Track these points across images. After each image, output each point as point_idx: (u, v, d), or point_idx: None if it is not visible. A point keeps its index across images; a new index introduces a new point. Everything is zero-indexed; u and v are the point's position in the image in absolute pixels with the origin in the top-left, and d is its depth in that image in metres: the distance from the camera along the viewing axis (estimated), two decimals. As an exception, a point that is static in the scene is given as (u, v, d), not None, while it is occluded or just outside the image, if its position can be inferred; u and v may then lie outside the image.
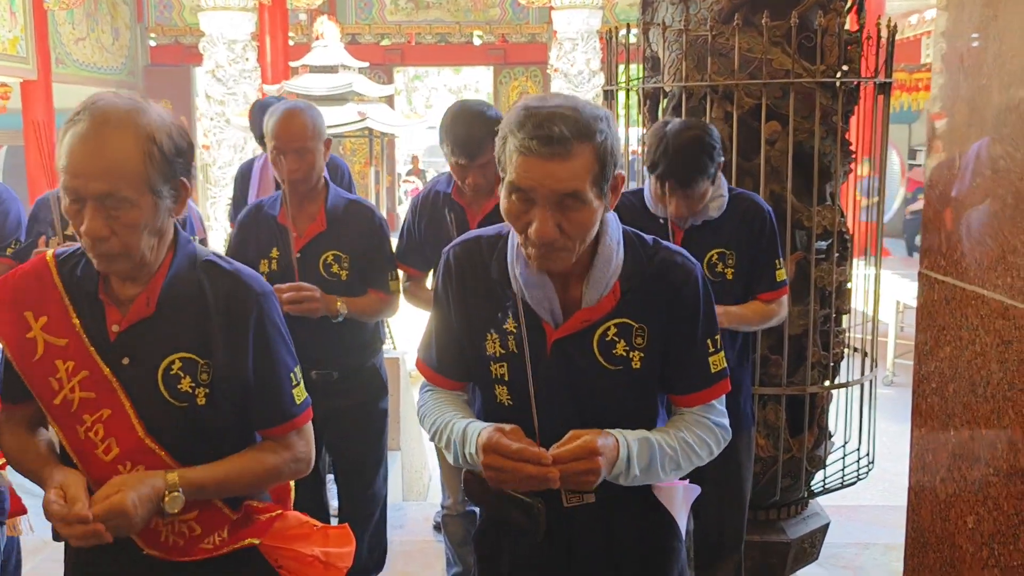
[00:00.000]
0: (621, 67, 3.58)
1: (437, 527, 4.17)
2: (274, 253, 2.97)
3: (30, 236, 3.21)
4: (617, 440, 1.58)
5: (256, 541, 1.71)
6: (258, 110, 4.18)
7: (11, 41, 13.01)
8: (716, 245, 2.78)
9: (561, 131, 1.49)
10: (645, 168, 2.84)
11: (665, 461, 1.64)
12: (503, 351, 1.69)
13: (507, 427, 1.58)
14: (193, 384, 1.61)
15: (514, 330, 1.68)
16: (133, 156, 1.51)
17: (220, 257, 1.72)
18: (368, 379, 3.24)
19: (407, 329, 5.58)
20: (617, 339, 1.66)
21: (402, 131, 7.38)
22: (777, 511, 3.56)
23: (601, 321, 1.66)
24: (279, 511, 1.79)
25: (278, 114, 2.94)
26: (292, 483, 1.88)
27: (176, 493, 1.56)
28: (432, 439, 1.79)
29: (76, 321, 1.61)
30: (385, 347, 4.89)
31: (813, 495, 3.67)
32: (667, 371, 1.71)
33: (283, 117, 2.92)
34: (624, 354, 1.66)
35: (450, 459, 1.72)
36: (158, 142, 1.54)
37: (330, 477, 3.73)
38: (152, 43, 16.92)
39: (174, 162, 1.57)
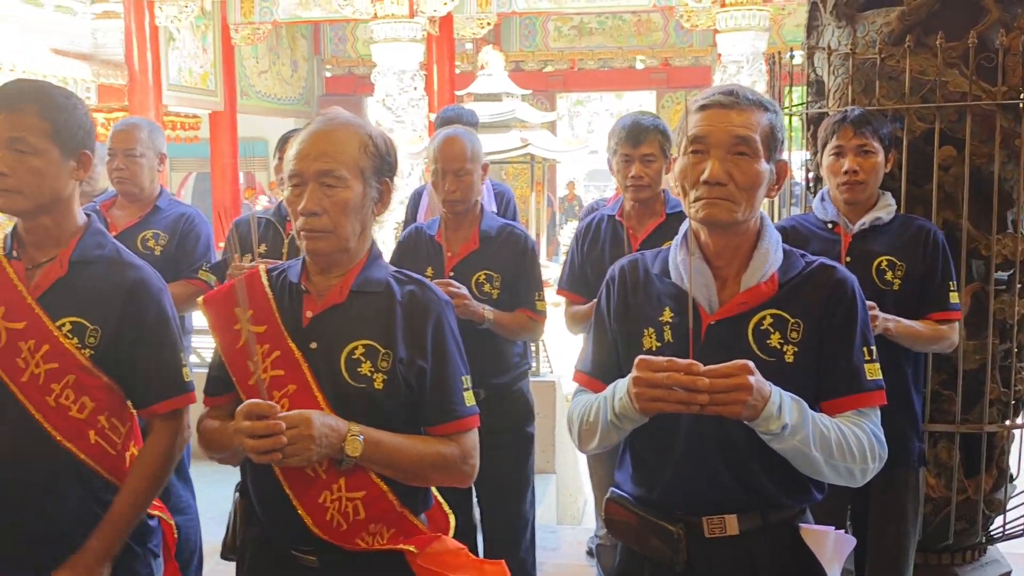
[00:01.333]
0: (786, 90, 3.52)
1: (590, 552, 4.17)
2: (428, 272, 3.08)
3: (227, 253, 3.44)
4: (771, 387, 1.56)
5: (413, 549, 1.77)
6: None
7: (203, 76, 14.00)
8: (884, 252, 2.74)
9: (743, 93, 1.69)
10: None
11: (817, 434, 1.60)
12: (659, 344, 1.74)
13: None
14: (372, 369, 1.74)
15: (670, 319, 1.74)
16: (351, 144, 1.74)
17: (406, 271, 1.90)
18: (514, 402, 3.28)
19: (563, 353, 5.62)
20: (772, 330, 1.68)
21: (564, 156, 7.47)
22: (951, 555, 3.36)
23: (758, 309, 1.70)
24: (439, 535, 1.85)
25: (440, 138, 3.11)
26: (452, 519, 1.94)
27: (357, 436, 1.68)
28: (580, 432, 1.81)
29: (275, 310, 1.80)
30: (542, 370, 4.93)
31: (992, 541, 3.44)
32: (821, 373, 1.69)
33: (444, 141, 3.09)
34: (778, 346, 1.68)
35: (596, 441, 1.75)
36: (374, 139, 1.78)
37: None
38: (327, 74, 17.83)
39: (384, 160, 1.79)
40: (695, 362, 1.52)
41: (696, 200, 1.68)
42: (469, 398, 1.85)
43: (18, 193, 1.84)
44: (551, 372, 5.68)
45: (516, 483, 3.32)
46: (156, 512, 2.08)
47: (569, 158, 16.10)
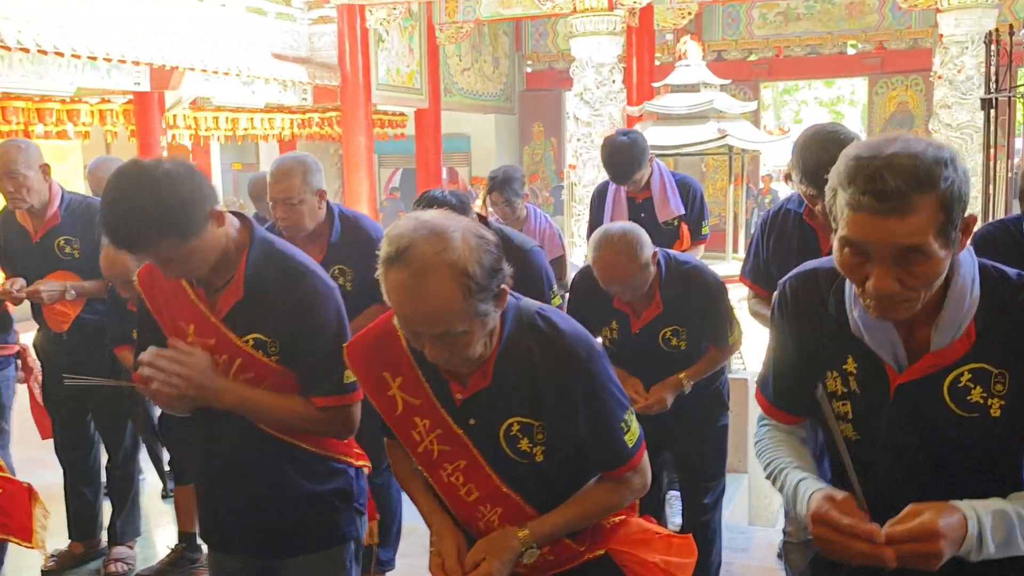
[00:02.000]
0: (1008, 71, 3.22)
1: (780, 555, 4.02)
2: (614, 324, 3.21)
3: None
4: (965, 516, 1.38)
5: (602, 552, 1.86)
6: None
7: (409, 75, 14.52)
8: None
9: (897, 185, 1.32)
10: None
11: None
12: (844, 389, 1.59)
13: (839, 495, 1.45)
14: (531, 444, 1.76)
15: (854, 370, 1.57)
16: (454, 296, 1.57)
17: (544, 316, 1.79)
18: (710, 399, 3.38)
19: (756, 347, 5.43)
20: (972, 385, 1.48)
21: (766, 147, 7.22)
22: None
23: (953, 367, 1.48)
24: (623, 517, 1.90)
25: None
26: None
27: (532, 548, 1.76)
28: (767, 478, 1.73)
29: (427, 386, 1.80)
30: (734, 366, 4.83)
31: None
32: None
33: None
34: (981, 401, 1.47)
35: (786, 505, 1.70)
36: (471, 274, 1.58)
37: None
38: (528, 69, 18.06)
39: (489, 285, 1.62)
40: (876, 528, 1.37)
41: (867, 300, 1.44)
42: (631, 437, 1.83)
43: None
44: (744, 369, 5.51)
45: (711, 472, 3.43)
46: (361, 463, 2.23)
47: (773, 149, 15.56)
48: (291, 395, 2.03)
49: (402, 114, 15.50)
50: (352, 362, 1.86)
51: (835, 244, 1.45)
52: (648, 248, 2.97)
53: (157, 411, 3.96)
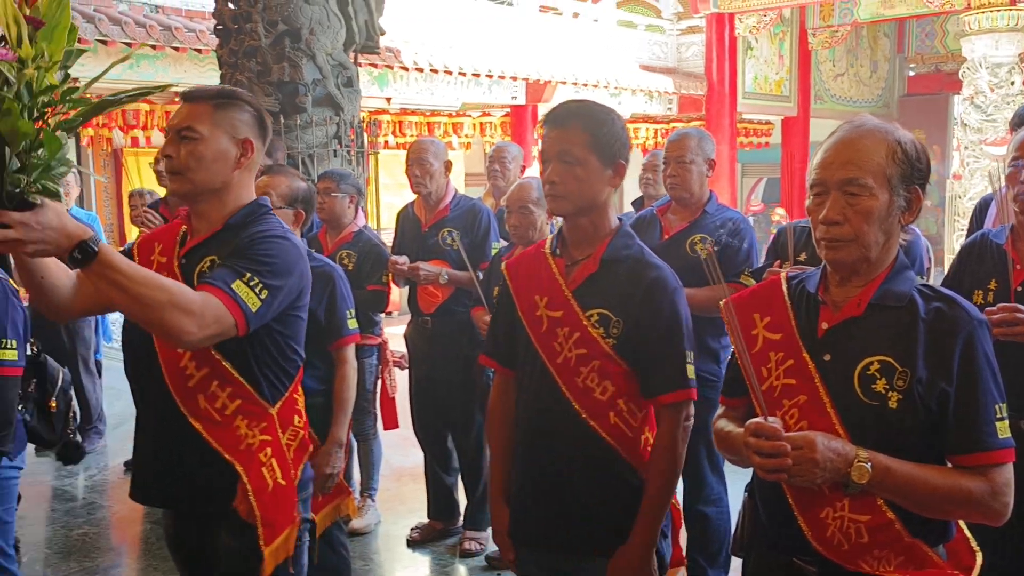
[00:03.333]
0: None
1: None
2: (992, 284, 2.70)
3: (769, 259, 3.43)
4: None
5: None
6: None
7: (777, 82, 14.12)
8: None
9: None
10: None
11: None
12: None
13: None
14: (887, 387, 1.65)
15: None
16: (878, 151, 1.66)
17: (931, 286, 1.75)
18: None
19: None
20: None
21: None
22: None
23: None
24: (956, 573, 1.67)
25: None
26: (978, 557, 1.74)
27: (864, 463, 1.59)
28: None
29: (792, 318, 1.78)
30: None
31: None
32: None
33: None
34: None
35: None
36: (903, 145, 1.67)
37: None
38: (910, 72, 16.78)
39: (914, 167, 1.68)
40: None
41: None
42: (1003, 429, 1.63)
43: (564, 198, 2.07)
44: None
45: None
46: None
47: None
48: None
49: (768, 122, 15.10)
50: (731, 306, 1.83)
51: None
52: None
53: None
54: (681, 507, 3.21)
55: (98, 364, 6.06)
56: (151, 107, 9.43)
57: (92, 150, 10.67)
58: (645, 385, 2.09)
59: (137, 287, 1.69)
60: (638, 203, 5.05)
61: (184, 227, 2.13)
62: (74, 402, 3.32)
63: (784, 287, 1.84)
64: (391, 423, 4.44)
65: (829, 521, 1.68)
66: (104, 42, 7.39)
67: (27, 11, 1.53)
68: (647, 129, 13.62)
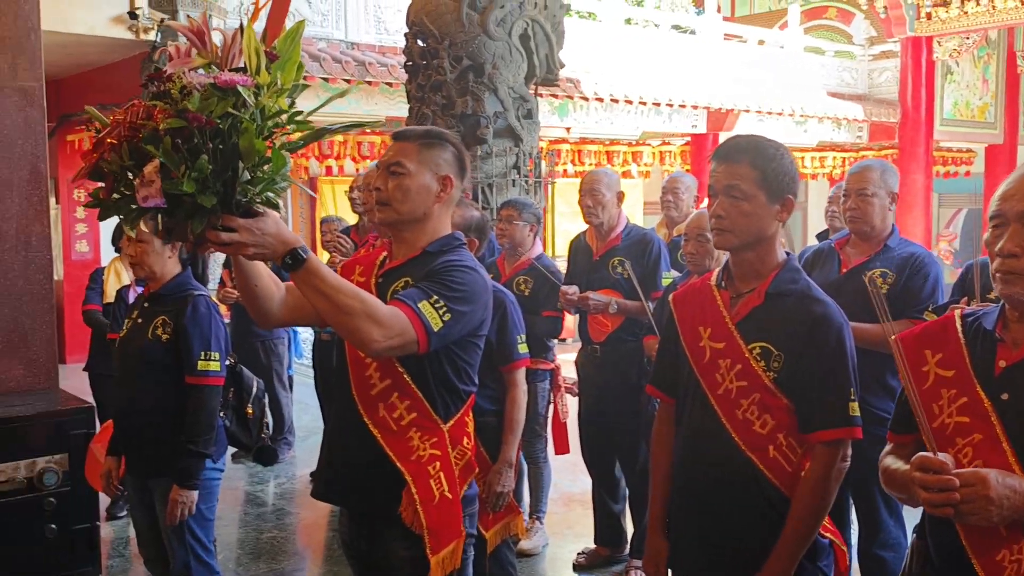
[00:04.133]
0: None
1: None
2: None
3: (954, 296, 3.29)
4: None
5: None
6: None
7: (980, 108, 13.36)
8: None
9: None
10: None
11: None
12: None
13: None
14: None
15: None
16: None
17: None
18: None
19: None
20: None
21: None
22: None
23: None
24: None
25: None
26: None
27: None
28: None
29: (967, 356, 1.73)
30: None
31: None
32: None
33: None
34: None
35: None
36: None
37: None
38: None
39: None
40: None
41: None
42: None
43: (730, 232, 2.09)
44: None
45: None
46: (828, 535, 2.14)
47: None
48: None
49: (970, 150, 14.26)
50: (902, 343, 1.80)
51: None
52: None
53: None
54: (854, 549, 3.09)
55: (290, 379, 6.46)
56: (344, 137, 9.99)
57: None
58: (804, 420, 2.06)
59: (336, 294, 1.86)
60: (823, 235, 4.92)
61: (384, 253, 2.31)
62: (267, 411, 3.59)
63: (958, 323, 1.79)
64: (562, 448, 4.50)
65: (1006, 564, 1.61)
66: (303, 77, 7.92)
67: (265, 47, 1.75)
68: (834, 158, 13.16)
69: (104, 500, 3.89)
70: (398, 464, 2.15)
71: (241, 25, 1.75)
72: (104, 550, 3.71)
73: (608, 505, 4.45)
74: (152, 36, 6.75)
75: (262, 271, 2.08)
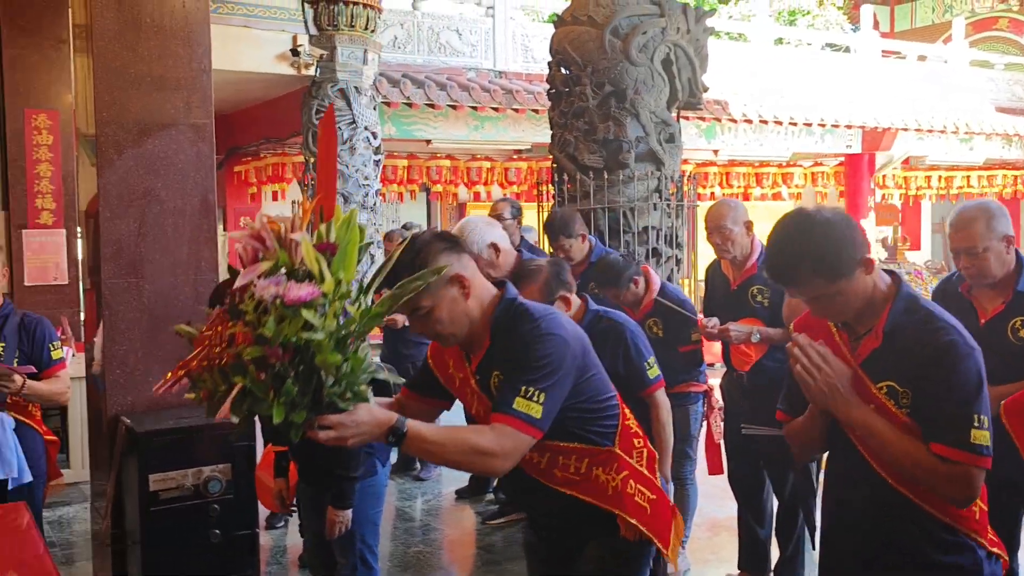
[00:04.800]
0: None
1: None
2: None
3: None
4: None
5: None
6: None
7: None
8: None
9: None
10: None
11: None
12: None
13: None
14: None
15: None
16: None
17: None
18: None
19: None
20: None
21: None
22: None
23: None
24: None
25: None
26: None
27: None
28: None
29: None
30: None
31: None
32: None
33: None
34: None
35: None
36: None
37: None
38: None
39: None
40: None
41: None
42: None
43: (839, 315, 2.10)
44: None
45: None
46: (996, 549, 2.09)
47: None
48: (911, 436, 1.96)
49: None
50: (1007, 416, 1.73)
51: None
52: None
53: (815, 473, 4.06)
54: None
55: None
56: (492, 164, 10.23)
57: (440, 203, 11.75)
58: (924, 432, 1.99)
59: (444, 451, 2.03)
60: None
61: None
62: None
63: None
64: (716, 468, 4.46)
65: None
66: (453, 106, 8.18)
67: (323, 219, 1.83)
68: (1003, 176, 12.46)
69: (263, 511, 4.12)
70: (604, 506, 2.31)
71: (295, 220, 1.84)
72: (263, 557, 3.92)
73: (754, 529, 4.37)
74: (312, 71, 7.13)
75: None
